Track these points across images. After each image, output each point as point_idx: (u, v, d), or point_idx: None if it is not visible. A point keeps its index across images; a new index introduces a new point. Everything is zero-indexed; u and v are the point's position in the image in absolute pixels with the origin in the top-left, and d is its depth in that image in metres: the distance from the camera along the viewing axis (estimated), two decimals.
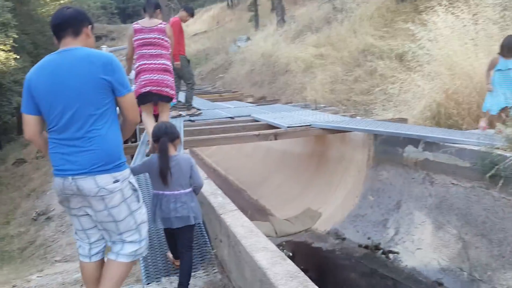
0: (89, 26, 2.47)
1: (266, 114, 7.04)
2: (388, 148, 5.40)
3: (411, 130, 4.98)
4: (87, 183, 2.29)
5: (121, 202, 2.38)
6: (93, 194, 2.30)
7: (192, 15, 7.18)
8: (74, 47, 2.36)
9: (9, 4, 17.12)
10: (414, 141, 4.96)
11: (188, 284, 2.93)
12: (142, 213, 2.53)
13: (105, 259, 2.66)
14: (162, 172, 2.86)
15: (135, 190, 2.47)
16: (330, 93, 11.90)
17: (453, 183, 4.42)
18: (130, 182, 2.44)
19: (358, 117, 6.94)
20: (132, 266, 2.64)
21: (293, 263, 2.14)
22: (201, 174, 4.18)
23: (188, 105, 7.38)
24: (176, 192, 2.93)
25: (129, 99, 2.44)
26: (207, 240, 3.64)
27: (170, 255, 3.33)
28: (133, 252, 2.52)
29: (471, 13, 6.14)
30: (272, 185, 7.41)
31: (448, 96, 5.54)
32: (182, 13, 7.10)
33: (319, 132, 5.75)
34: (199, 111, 7.48)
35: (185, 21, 7.15)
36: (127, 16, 59.70)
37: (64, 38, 2.38)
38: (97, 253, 2.58)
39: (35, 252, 11.59)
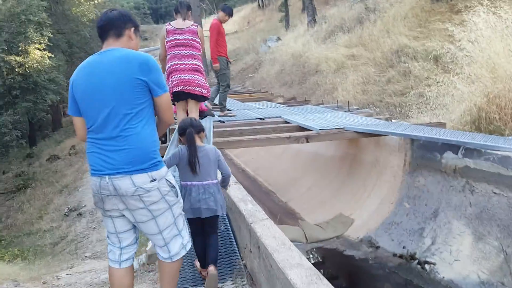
0: (132, 28, 2.49)
1: (297, 116, 6.89)
2: (425, 153, 5.18)
3: (450, 136, 4.75)
4: (124, 183, 2.29)
5: (160, 198, 2.37)
6: (130, 194, 2.30)
7: (230, 15, 7.14)
8: (114, 47, 2.40)
9: (45, 3, 17.47)
10: (454, 147, 4.74)
11: (217, 259, 3.05)
12: (180, 207, 2.54)
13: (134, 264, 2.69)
14: (191, 162, 2.93)
15: (172, 186, 2.46)
16: (362, 94, 11.69)
17: (495, 193, 4.19)
18: (167, 180, 2.43)
19: (393, 120, 6.72)
20: None
21: (330, 284, 1.99)
22: (231, 179, 4.09)
23: (221, 106, 7.39)
24: (204, 182, 2.98)
25: (164, 99, 2.43)
26: (236, 249, 3.51)
27: (197, 264, 3.25)
28: (180, 245, 2.54)
29: None
30: (302, 187, 7.26)
31: (490, 100, 5.28)
32: (220, 14, 7.14)
33: (353, 135, 5.57)
34: (232, 114, 7.45)
35: (224, 21, 7.17)
36: (160, 16, 60.54)
37: (106, 39, 2.43)
38: (127, 259, 2.55)
39: (66, 248, 11.79)
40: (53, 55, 17.52)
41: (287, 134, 5.54)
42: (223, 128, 6.04)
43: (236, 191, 3.49)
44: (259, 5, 35.33)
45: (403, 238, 4.98)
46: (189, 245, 2.62)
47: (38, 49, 16.55)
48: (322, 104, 9.11)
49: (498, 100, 5.18)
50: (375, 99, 11.20)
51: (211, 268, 2.91)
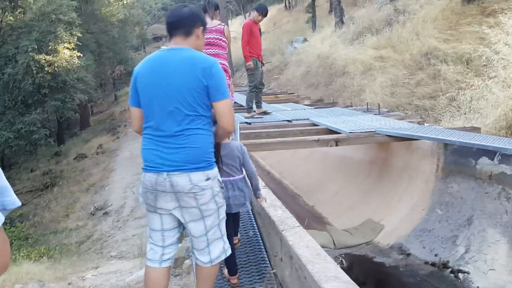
0: (201, 28, 2.53)
1: (325, 118, 6.80)
2: (459, 159, 5.02)
3: (486, 141, 4.59)
4: (182, 180, 2.34)
5: (211, 199, 2.42)
6: (186, 191, 2.35)
7: (263, 14, 7.16)
8: (182, 47, 2.44)
9: (75, 3, 17.73)
10: (489, 152, 4.57)
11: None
12: (224, 209, 2.58)
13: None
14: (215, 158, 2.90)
15: (222, 187, 2.53)
16: (391, 97, 11.50)
17: None
18: (218, 180, 2.51)
19: (426, 124, 6.55)
20: None
21: None
22: (259, 182, 4.02)
23: (247, 107, 7.46)
24: (231, 178, 2.99)
25: (223, 105, 2.43)
26: (266, 257, 3.40)
27: (226, 271, 3.19)
28: (222, 250, 2.55)
29: None
30: (329, 191, 7.15)
31: None
32: (253, 14, 7.17)
33: (384, 139, 5.44)
34: (264, 111, 7.51)
35: (258, 21, 7.18)
36: None
37: (175, 36, 2.48)
38: (168, 259, 2.56)
39: (91, 247, 11.93)
40: (82, 55, 17.77)
41: (316, 137, 5.45)
42: (249, 130, 5.97)
43: (264, 195, 3.39)
44: (285, 6, 35.22)
45: (435, 246, 4.83)
46: (229, 251, 2.61)
47: (68, 48, 16.80)
48: (351, 106, 8.98)
49: None
50: (404, 101, 11.01)
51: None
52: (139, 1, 39.08)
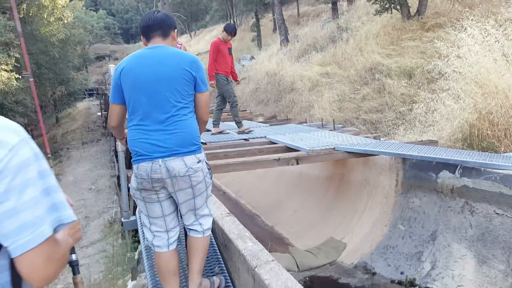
0: (175, 30, 2.78)
1: (282, 135, 6.66)
2: (419, 173, 5.00)
3: (446, 154, 4.58)
4: (177, 164, 2.48)
5: (202, 179, 2.61)
6: (182, 174, 2.50)
7: (232, 33, 7.19)
8: (163, 45, 2.64)
9: (12, 23, 16.91)
10: (450, 166, 4.56)
11: None
12: (211, 189, 2.78)
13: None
14: None
15: (209, 168, 2.71)
16: (339, 111, 11.65)
17: (497, 213, 4.01)
18: (206, 162, 2.70)
19: (382, 139, 6.55)
20: None
21: None
22: (223, 208, 3.77)
23: (237, 122, 7.48)
24: None
25: (205, 97, 2.68)
26: None
27: None
28: (211, 224, 2.80)
29: (500, 28, 5.79)
30: (288, 210, 6.97)
31: (482, 117, 5.15)
32: (223, 34, 7.25)
33: (344, 155, 5.35)
34: (250, 129, 7.44)
35: (227, 40, 7.25)
36: (130, 36, 60.01)
37: (153, 38, 2.67)
38: (174, 241, 2.73)
39: None
40: (20, 76, 16.91)
41: (276, 156, 5.26)
42: (206, 151, 5.66)
43: (230, 225, 3.12)
44: None
45: (400, 263, 4.75)
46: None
47: (5, 70, 15.95)
48: (305, 122, 8.92)
49: (491, 116, 5.06)
50: (351, 116, 11.17)
51: None
52: (81, 21, 38.07)
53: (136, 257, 6.71)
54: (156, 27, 2.63)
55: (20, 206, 1.04)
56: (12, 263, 1.07)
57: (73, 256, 1.74)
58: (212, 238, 3.24)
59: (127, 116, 2.66)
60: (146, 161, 2.49)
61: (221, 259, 3.00)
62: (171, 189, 2.54)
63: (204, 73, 2.65)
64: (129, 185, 2.70)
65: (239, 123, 7.45)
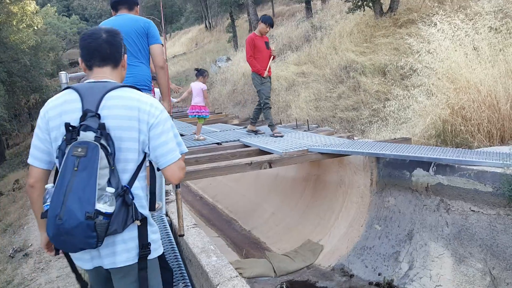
0: (138, 6, 3.73)
1: (256, 138, 6.52)
2: (393, 171, 4.92)
3: (420, 152, 4.50)
4: None
5: None
6: None
7: (269, 24, 6.58)
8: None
9: None
10: (424, 163, 4.49)
11: None
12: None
13: None
14: None
15: None
16: (315, 111, 11.55)
17: (473, 210, 3.95)
18: None
19: (355, 138, 6.46)
20: None
21: None
22: (189, 218, 3.62)
23: (269, 125, 6.82)
24: None
25: (158, 48, 3.83)
26: None
27: None
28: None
29: (469, 22, 5.75)
30: (265, 213, 6.85)
31: (454, 112, 5.09)
32: (260, 25, 6.66)
33: (317, 156, 5.24)
34: (280, 134, 6.70)
35: (264, 33, 6.69)
36: None
37: (120, 10, 3.74)
38: None
39: None
40: None
41: (248, 160, 5.12)
42: None
43: (195, 238, 2.95)
44: (206, 26, 35.10)
45: (377, 264, 4.66)
46: None
47: None
48: (280, 123, 8.80)
49: (464, 112, 5.00)
50: (328, 115, 11.11)
51: None
52: (53, 27, 37.31)
53: None
54: (122, 3, 3.65)
55: (167, 140, 1.87)
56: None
57: None
58: (177, 252, 3.06)
59: None
60: None
61: (186, 275, 2.82)
62: None
63: (156, 30, 3.76)
64: None
65: (271, 126, 6.77)
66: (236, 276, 2.27)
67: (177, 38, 39.68)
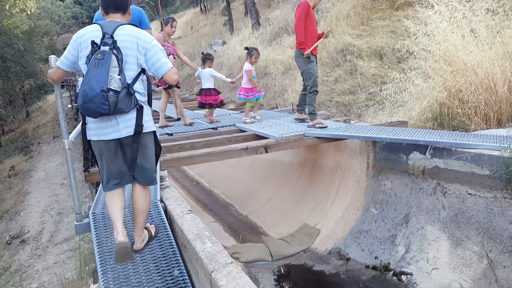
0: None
1: (252, 123, 6.47)
2: (390, 155, 4.90)
3: (416, 135, 4.48)
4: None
5: None
6: None
7: None
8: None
9: None
10: (420, 147, 4.47)
11: None
12: None
13: None
14: None
15: None
16: None
17: (470, 193, 3.94)
18: None
19: (352, 122, 6.42)
20: None
21: None
22: (184, 204, 3.59)
23: (309, 114, 5.82)
24: None
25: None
26: None
27: None
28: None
29: (467, 4, 5.67)
30: (262, 198, 6.85)
31: (451, 95, 5.05)
32: None
33: (314, 141, 5.21)
34: (322, 124, 5.68)
35: (315, 5, 5.81)
36: None
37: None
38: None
39: (9, 280, 10.86)
40: None
41: (244, 145, 5.08)
42: (171, 143, 5.42)
43: (190, 224, 2.92)
44: (201, 9, 34.77)
45: (374, 247, 4.67)
46: None
47: None
48: (276, 108, 8.74)
49: (460, 94, 4.96)
50: (324, 99, 11.04)
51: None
52: (47, 11, 36.87)
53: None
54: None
55: (160, 57, 2.84)
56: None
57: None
58: (172, 238, 3.04)
59: None
60: None
61: (181, 261, 2.80)
62: None
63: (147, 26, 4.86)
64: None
65: (312, 115, 5.76)
66: (231, 262, 2.25)
67: None
